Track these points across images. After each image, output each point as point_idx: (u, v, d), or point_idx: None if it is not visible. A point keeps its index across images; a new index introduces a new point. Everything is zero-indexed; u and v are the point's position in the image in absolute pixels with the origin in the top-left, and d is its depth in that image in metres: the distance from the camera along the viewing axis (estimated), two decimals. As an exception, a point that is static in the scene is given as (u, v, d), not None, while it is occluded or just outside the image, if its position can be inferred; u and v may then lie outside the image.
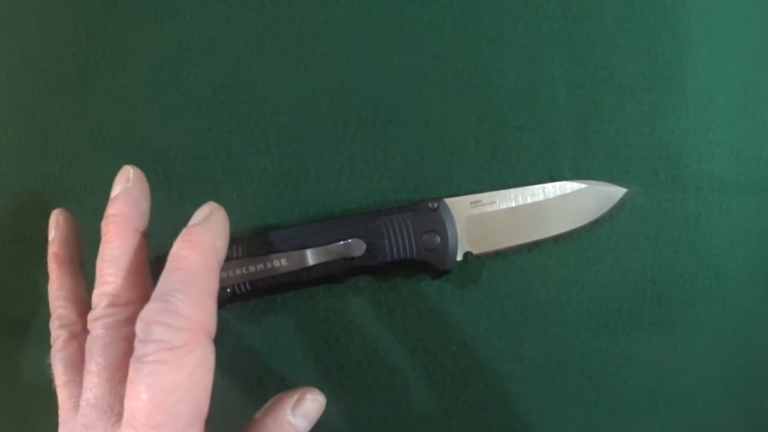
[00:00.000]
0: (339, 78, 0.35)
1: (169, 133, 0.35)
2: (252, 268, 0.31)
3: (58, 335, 0.27)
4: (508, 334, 0.35)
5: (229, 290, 0.32)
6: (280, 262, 0.32)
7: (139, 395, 0.22)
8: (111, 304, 0.25)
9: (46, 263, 0.35)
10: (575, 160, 0.36)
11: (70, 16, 0.36)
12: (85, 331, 0.26)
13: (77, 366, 0.26)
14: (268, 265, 0.31)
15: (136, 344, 0.23)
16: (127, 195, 0.27)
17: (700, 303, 0.36)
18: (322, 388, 0.34)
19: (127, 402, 0.22)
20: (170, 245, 0.26)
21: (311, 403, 0.28)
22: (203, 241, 0.25)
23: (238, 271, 0.31)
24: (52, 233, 0.30)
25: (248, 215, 0.35)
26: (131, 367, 0.23)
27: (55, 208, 0.35)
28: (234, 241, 0.32)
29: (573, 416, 0.36)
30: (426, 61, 0.36)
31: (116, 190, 0.27)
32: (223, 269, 0.31)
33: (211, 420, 0.30)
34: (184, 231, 0.25)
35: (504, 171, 0.35)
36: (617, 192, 0.35)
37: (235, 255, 0.32)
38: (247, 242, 0.32)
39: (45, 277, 0.35)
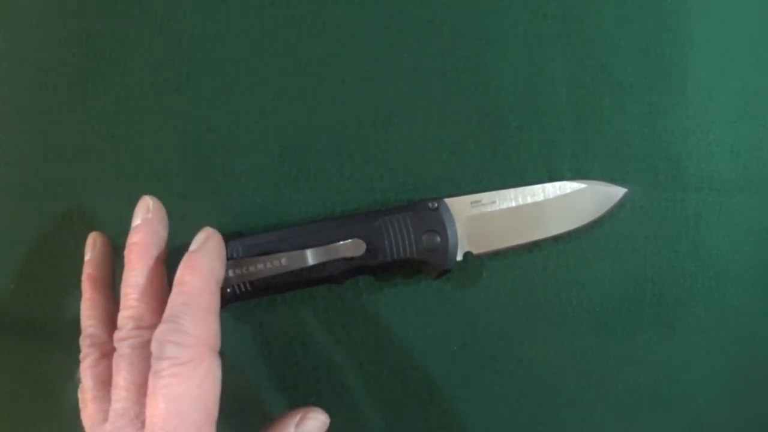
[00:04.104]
0: (339, 78, 0.35)
1: (169, 132, 0.35)
2: (252, 268, 0.31)
3: (88, 353, 0.30)
4: (508, 334, 0.35)
5: (229, 290, 0.32)
6: (280, 262, 0.32)
7: (157, 405, 0.25)
8: (136, 327, 0.28)
9: (46, 264, 0.35)
10: (575, 160, 0.36)
11: (70, 16, 0.36)
12: (114, 351, 0.28)
13: (106, 382, 0.29)
14: (268, 265, 0.31)
15: (153, 361, 0.26)
16: (147, 225, 0.30)
17: (700, 303, 0.36)
18: (322, 388, 0.35)
19: (148, 411, 0.26)
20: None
21: (313, 422, 0.31)
22: (202, 266, 0.28)
23: (238, 271, 0.31)
24: (89, 255, 0.32)
25: (248, 215, 0.35)
26: (150, 381, 0.26)
27: (54, 208, 0.35)
28: (234, 241, 0.32)
29: (573, 416, 0.36)
30: (426, 61, 0.36)
31: (137, 219, 0.30)
32: (223, 269, 0.32)
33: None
34: (185, 257, 0.28)
35: (504, 171, 0.35)
36: (617, 192, 0.35)
37: (235, 255, 0.32)
38: (247, 242, 0.32)
39: (45, 277, 0.35)
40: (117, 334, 0.28)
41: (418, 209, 0.33)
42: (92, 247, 0.32)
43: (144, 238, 0.29)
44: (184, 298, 0.27)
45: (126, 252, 0.29)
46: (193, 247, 0.29)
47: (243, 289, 0.32)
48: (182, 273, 0.27)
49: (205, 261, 0.28)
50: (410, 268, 0.34)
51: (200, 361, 0.26)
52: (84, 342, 0.30)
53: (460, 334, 0.35)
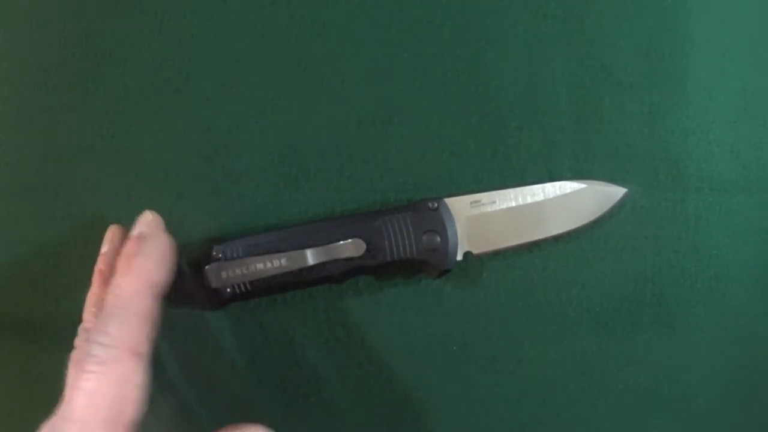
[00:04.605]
0: (339, 78, 0.35)
1: (169, 133, 0.35)
2: (252, 268, 0.31)
3: (80, 345, 0.30)
4: (508, 334, 0.35)
5: (229, 290, 0.32)
6: (280, 262, 0.32)
7: (73, 396, 0.26)
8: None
9: (46, 264, 0.35)
10: (575, 160, 0.36)
11: (70, 16, 0.36)
12: None
13: None
14: (268, 265, 0.31)
15: (81, 355, 0.27)
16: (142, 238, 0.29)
17: (700, 303, 0.36)
18: (323, 388, 0.35)
19: (65, 400, 0.26)
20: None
21: None
22: (138, 269, 0.28)
23: (238, 271, 0.31)
24: (105, 249, 0.32)
25: (248, 215, 0.35)
26: (73, 373, 0.27)
27: (54, 208, 0.35)
28: (234, 241, 0.32)
29: (573, 416, 0.36)
30: (426, 61, 0.36)
31: (135, 232, 0.30)
32: (223, 269, 0.32)
33: (211, 420, 0.30)
34: (122, 259, 0.28)
35: (504, 171, 0.35)
36: (617, 192, 0.35)
37: (235, 255, 0.32)
38: (247, 242, 0.32)
39: (45, 277, 0.35)
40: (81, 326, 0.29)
41: (418, 209, 0.33)
42: (109, 241, 0.32)
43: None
44: (114, 300, 0.27)
45: (118, 260, 0.29)
46: (130, 247, 0.29)
47: (243, 289, 0.32)
48: (118, 275, 0.28)
49: (140, 264, 0.28)
50: (410, 268, 0.34)
51: (118, 363, 0.26)
52: (80, 334, 0.31)
53: (460, 334, 0.35)
